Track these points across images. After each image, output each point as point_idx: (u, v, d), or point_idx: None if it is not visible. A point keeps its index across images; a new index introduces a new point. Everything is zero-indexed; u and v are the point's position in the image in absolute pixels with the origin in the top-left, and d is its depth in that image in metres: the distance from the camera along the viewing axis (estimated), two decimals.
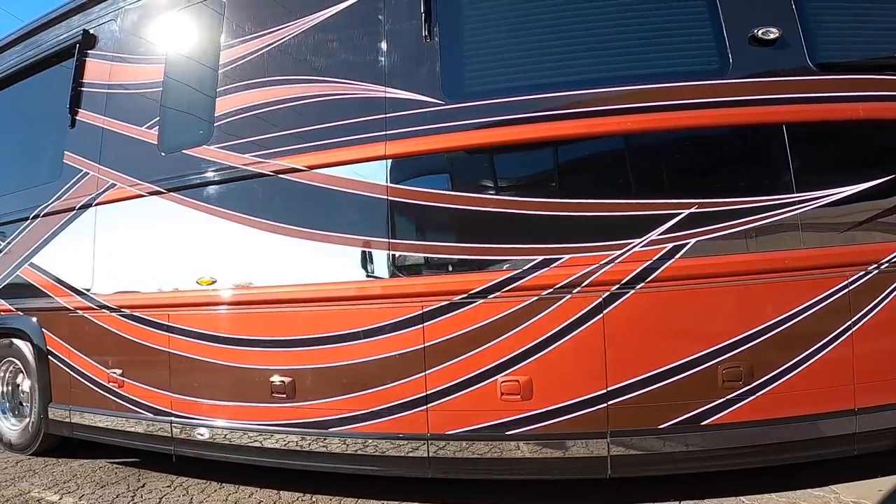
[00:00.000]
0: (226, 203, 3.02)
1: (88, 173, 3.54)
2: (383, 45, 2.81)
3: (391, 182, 2.68)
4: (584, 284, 2.47)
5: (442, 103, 2.66)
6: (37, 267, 3.71)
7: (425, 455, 2.61)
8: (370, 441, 2.68)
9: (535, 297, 2.50)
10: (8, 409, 3.97)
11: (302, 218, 2.85)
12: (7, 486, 3.31)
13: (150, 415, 3.20)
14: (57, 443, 3.73)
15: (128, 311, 3.27)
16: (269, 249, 2.92)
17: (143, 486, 3.21)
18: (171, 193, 3.18)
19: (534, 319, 2.50)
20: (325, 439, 2.75)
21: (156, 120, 3.33)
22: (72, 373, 3.49)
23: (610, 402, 2.45)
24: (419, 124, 2.68)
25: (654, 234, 2.45)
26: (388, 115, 2.73)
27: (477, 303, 2.56)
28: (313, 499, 2.91)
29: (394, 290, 2.66)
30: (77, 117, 3.66)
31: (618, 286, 2.46)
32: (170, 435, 3.12)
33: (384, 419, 2.65)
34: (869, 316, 2.37)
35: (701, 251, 2.41)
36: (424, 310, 2.60)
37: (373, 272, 2.74)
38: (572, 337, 2.48)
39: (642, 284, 2.45)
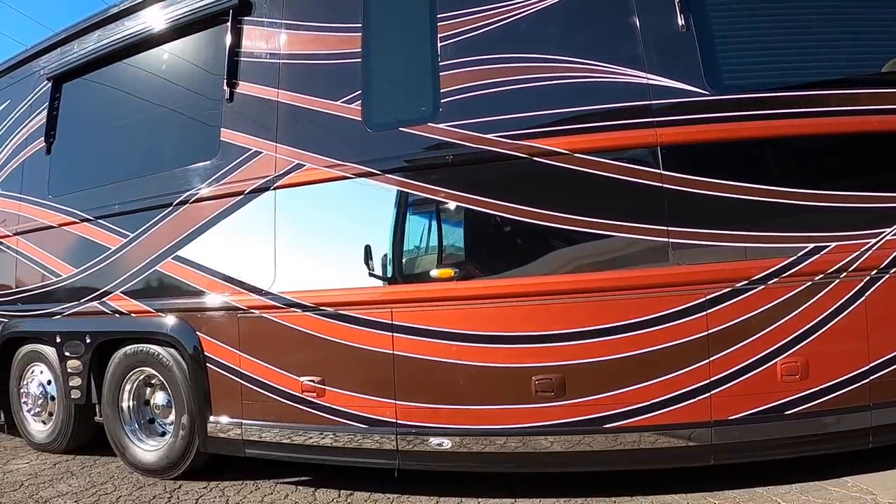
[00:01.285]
0: (465, 186, 2.76)
1: (261, 152, 3.05)
2: (639, 29, 2.76)
3: (665, 170, 2.66)
4: (850, 269, 2.65)
5: (707, 94, 2.69)
6: (186, 261, 3.13)
7: (707, 443, 2.62)
8: (646, 434, 2.64)
9: (809, 282, 2.63)
10: (138, 429, 3.35)
11: (562, 203, 2.70)
12: (45, 487, 3.23)
13: (363, 426, 2.84)
14: (206, 462, 3.20)
15: (331, 310, 2.87)
16: (523, 237, 2.75)
17: (179, 487, 3.17)
18: (389, 175, 2.84)
19: (809, 303, 2.63)
20: (595, 437, 2.65)
21: (357, 94, 2.95)
22: (244, 382, 3.00)
23: (871, 378, 2.65)
24: (689, 113, 2.68)
25: None
26: (653, 102, 2.70)
27: (758, 288, 2.62)
28: (349, 500, 2.87)
29: (676, 279, 2.63)
30: (237, 90, 3.13)
31: (876, 270, 2.67)
32: (394, 447, 2.80)
33: (665, 410, 2.62)
34: None
35: None
36: (707, 297, 2.61)
37: (649, 260, 2.69)
38: (841, 318, 2.64)
39: (895, 269, 2.69)
